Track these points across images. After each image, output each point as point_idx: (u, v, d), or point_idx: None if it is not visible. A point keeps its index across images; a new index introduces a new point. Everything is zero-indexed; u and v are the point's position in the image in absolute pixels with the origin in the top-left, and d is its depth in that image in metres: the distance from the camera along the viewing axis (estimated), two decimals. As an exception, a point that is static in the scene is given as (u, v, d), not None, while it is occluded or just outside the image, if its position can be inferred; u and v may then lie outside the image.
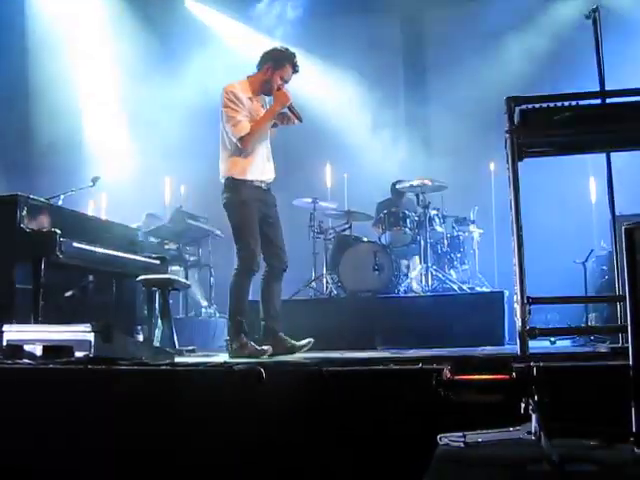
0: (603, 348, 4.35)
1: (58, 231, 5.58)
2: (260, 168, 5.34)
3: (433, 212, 8.30)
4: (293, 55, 5.42)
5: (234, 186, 5.24)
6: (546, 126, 3.68)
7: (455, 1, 11.07)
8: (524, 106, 3.74)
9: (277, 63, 5.35)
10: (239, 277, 5.23)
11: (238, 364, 3.50)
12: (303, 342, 5.28)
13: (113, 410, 3.27)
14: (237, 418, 3.12)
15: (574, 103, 3.69)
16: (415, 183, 8.27)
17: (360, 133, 10.72)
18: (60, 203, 6.64)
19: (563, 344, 5.49)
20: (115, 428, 3.24)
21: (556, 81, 9.06)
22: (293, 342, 5.27)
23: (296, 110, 5.33)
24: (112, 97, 11.55)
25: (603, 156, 4.27)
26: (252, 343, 5.13)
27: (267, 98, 5.55)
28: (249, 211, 5.23)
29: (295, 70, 5.43)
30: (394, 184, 9.23)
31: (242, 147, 5.18)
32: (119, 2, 11.41)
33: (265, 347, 5.11)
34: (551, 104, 3.71)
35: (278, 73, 5.33)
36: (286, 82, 5.39)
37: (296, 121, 5.41)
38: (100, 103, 11.55)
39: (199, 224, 9.44)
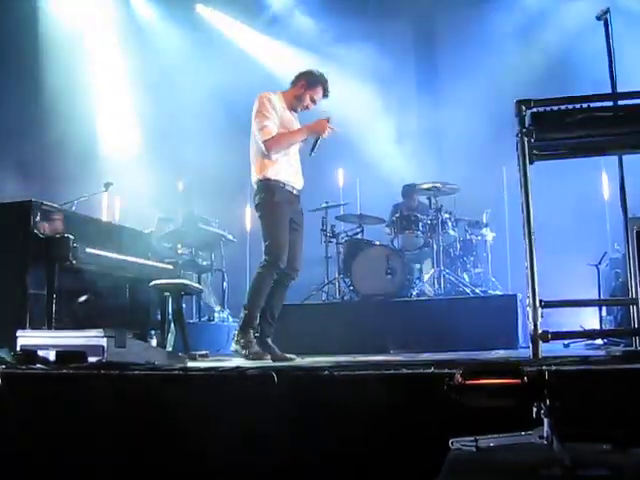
0: (617, 351, 4.33)
1: (71, 236, 5.61)
2: (291, 174, 5.46)
3: (446, 215, 8.30)
4: (326, 80, 5.59)
5: (268, 187, 5.36)
6: (557, 129, 3.66)
7: (467, 3, 11.04)
8: (535, 109, 3.73)
9: (311, 83, 5.55)
10: (263, 270, 5.31)
11: (250, 369, 3.50)
12: (290, 355, 5.15)
13: (126, 415, 3.28)
14: (249, 422, 3.12)
15: (585, 105, 3.68)
16: (427, 186, 8.28)
17: (372, 137, 10.73)
18: (74, 209, 6.67)
19: (576, 347, 5.46)
20: (128, 433, 3.25)
21: (568, 83, 9.03)
22: (279, 353, 5.18)
23: (318, 145, 5.44)
24: (126, 103, 11.61)
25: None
26: (255, 343, 5.17)
27: (296, 114, 5.68)
28: (281, 212, 5.34)
29: (325, 95, 5.61)
30: (405, 187, 9.23)
31: (266, 150, 5.30)
32: (132, 9, 11.49)
33: (267, 354, 5.13)
34: (562, 107, 3.70)
35: (310, 92, 5.53)
36: (314, 103, 5.59)
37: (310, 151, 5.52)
38: (114, 109, 11.61)
39: (211, 228, 9.47)
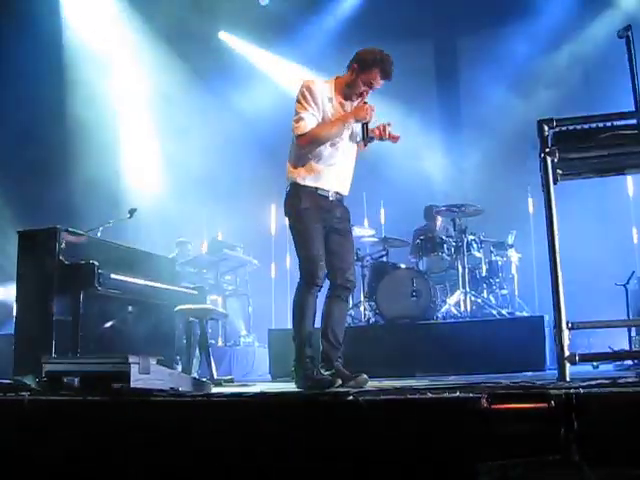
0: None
1: (96, 263, 5.65)
2: (329, 177, 4.74)
3: (470, 237, 8.25)
4: (384, 59, 4.68)
5: (295, 192, 4.70)
6: (581, 148, 3.64)
7: (487, 26, 11.06)
8: (557, 128, 3.71)
9: (363, 65, 4.66)
10: (300, 293, 4.65)
11: (275, 395, 3.48)
12: (362, 377, 4.47)
13: (150, 441, 3.27)
14: (273, 449, 3.09)
15: (609, 124, 3.65)
16: (450, 208, 8.25)
17: (395, 159, 10.72)
18: (99, 235, 6.72)
19: (605, 368, 5.38)
20: (151, 460, 3.23)
21: (591, 102, 8.98)
22: (349, 375, 4.51)
23: (367, 133, 4.73)
24: (149, 129, 11.72)
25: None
26: (320, 371, 4.59)
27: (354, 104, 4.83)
28: (311, 219, 4.65)
29: (385, 77, 4.70)
30: (427, 208, 9.20)
31: (299, 145, 4.66)
32: (154, 35, 11.62)
33: (337, 378, 4.44)
34: (585, 125, 3.67)
35: (363, 77, 4.67)
36: (370, 89, 4.74)
37: (362, 144, 4.90)
38: (137, 135, 11.72)
39: (236, 253, 9.50)
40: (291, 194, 4.76)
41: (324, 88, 4.73)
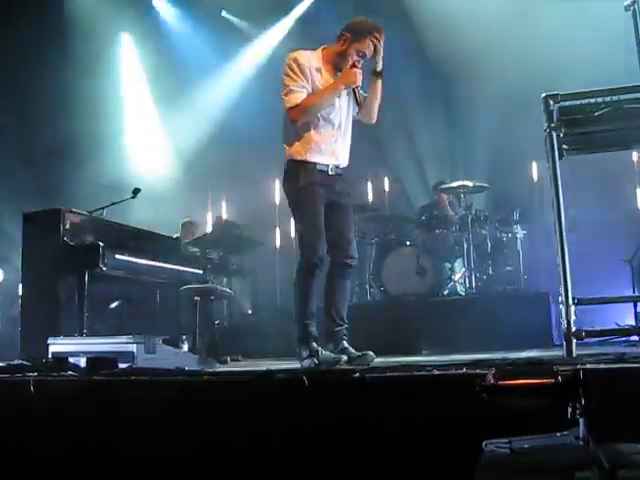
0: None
1: (101, 243, 5.65)
2: (326, 150, 4.61)
3: (476, 214, 8.22)
4: (377, 28, 4.57)
5: (293, 169, 4.60)
6: (586, 122, 3.61)
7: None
8: (562, 103, 3.68)
9: (356, 34, 4.55)
10: (301, 274, 4.56)
11: (280, 372, 3.48)
12: (368, 355, 4.43)
13: (156, 421, 3.27)
14: (279, 428, 3.10)
15: (615, 98, 3.62)
16: (456, 185, 8.21)
17: (400, 136, 10.67)
18: (103, 215, 6.70)
19: (612, 344, 5.37)
20: (158, 439, 3.24)
21: (595, 76, 8.89)
22: (355, 353, 4.48)
23: (360, 96, 4.62)
24: (152, 110, 11.69)
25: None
26: (323, 350, 4.51)
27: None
28: (310, 197, 4.54)
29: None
30: (435, 185, 9.17)
31: (291, 119, 4.52)
32: (157, 16, 11.58)
33: (341, 355, 4.43)
34: (591, 100, 3.64)
35: (355, 46, 4.54)
36: (363, 58, 4.59)
37: (359, 108, 4.73)
38: (141, 116, 11.69)
39: (241, 233, 9.49)
40: (289, 172, 4.66)
41: (311, 58, 4.61)
